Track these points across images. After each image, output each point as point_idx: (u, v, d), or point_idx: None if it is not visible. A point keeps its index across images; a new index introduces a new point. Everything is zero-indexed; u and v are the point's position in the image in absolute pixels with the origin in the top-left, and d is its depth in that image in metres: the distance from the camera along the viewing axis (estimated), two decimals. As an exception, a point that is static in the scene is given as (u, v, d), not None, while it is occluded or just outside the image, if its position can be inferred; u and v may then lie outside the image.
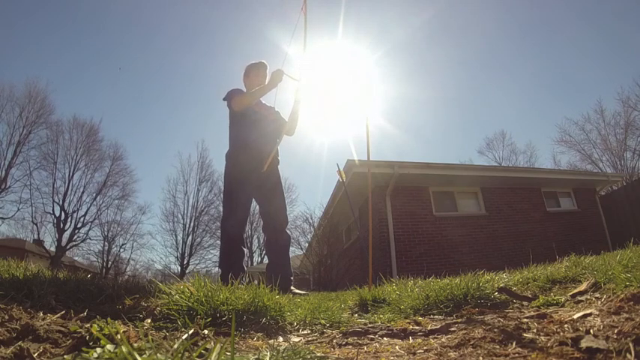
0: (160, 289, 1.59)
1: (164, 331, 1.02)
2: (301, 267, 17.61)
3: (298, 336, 1.22)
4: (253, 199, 3.25)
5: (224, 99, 3.24)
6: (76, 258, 26.54)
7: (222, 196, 3.46)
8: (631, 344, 0.65)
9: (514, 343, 0.85)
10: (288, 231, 3.22)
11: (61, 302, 1.22)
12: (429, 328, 1.22)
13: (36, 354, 0.67)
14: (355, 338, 1.15)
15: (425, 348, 0.95)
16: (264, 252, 28.52)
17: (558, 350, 0.74)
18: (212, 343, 0.70)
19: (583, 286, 1.64)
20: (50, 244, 23.90)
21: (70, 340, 0.76)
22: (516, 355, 0.76)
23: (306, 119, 3.51)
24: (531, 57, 37.48)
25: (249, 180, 3.08)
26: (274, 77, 3.06)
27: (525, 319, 1.12)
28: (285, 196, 3.35)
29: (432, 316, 1.50)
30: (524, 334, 0.91)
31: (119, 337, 0.59)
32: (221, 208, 27.48)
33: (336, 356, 0.90)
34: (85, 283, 1.57)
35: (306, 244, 17.06)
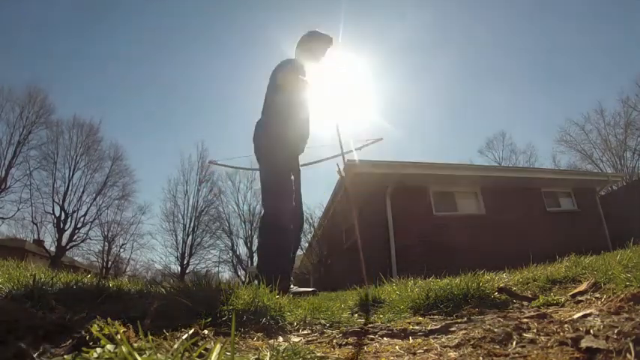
0: (160, 289, 1.59)
1: (164, 331, 1.02)
2: (301, 267, 17.60)
3: (298, 336, 1.22)
4: None
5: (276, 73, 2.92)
6: (76, 258, 26.54)
7: (261, 183, 2.92)
8: (631, 344, 0.65)
9: (514, 343, 0.85)
10: (301, 236, 3.10)
11: (61, 302, 1.22)
12: (429, 328, 1.21)
13: (36, 354, 0.67)
14: (355, 338, 1.15)
15: (425, 348, 0.95)
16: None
17: (558, 350, 0.74)
18: (212, 343, 0.70)
19: (583, 286, 1.64)
20: (50, 244, 23.91)
21: (70, 340, 0.76)
22: (516, 355, 0.76)
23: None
24: (531, 57, 37.52)
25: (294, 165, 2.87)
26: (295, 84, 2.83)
27: (525, 319, 1.12)
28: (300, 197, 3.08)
29: (432, 316, 1.49)
30: (524, 334, 0.91)
31: (119, 337, 0.59)
32: (221, 209, 27.04)
33: (336, 356, 0.90)
34: (85, 283, 1.57)
35: (306, 244, 17.07)
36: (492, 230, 9.01)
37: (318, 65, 3.07)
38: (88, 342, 0.72)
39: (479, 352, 0.82)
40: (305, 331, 1.30)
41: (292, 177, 2.92)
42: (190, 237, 26.53)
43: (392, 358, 0.88)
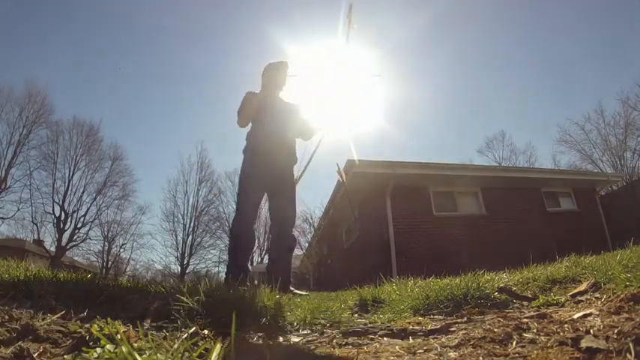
0: (160, 288, 1.59)
1: (164, 331, 1.02)
2: (301, 267, 17.61)
3: (298, 336, 1.22)
4: (264, 199, 3.20)
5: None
6: (76, 258, 26.54)
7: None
8: (631, 344, 0.65)
9: (514, 343, 0.85)
10: (295, 233, 3.19)
11: (61, 302, 1.22)
12: (429, 328, 1.21)
13: (36, 354, 0.67)
14: (355, 338, 1.15)
15: (425, 348, 0.95)
16: (264, 252, 28.60)
17: (558, 350, 0.74)
18: (212, 343, 0.70)
19: (583, 286, 1.64)
20: (50, 244, 23.92)
21: (70, 340, 0.76)
22: (516, 355, 0.76)
23: (318, 140, 3.54)
24: (531, 57, 37.51)
25: (255, 178, 3.05)
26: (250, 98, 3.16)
27: (525, 319, 1.12)
28: (295, 195, 3.25)
29: (432, 316, 1.49)
30: (524, 334, 0.91)
31: (119, 337, 0.59)
32: (221, 209, 27.35)
33: (336, 356, 0.90)
34: (85, 283, 1.57)
35: (306, 244, 17.07)
36: (492, 230, 9.00)
37: (285, 89, 3.35)
38: (88, 342, 0.72)
39: (479, 352, 0.82)
40: (305, 331, 1.30)
41: (262, 188, 3.12)
42: (190, 237, 26.56)
43: (392, 358, 0.88)
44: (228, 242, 3.23)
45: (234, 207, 3.21)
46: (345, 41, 3.33)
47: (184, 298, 1.27)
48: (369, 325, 1.36)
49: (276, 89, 3.30)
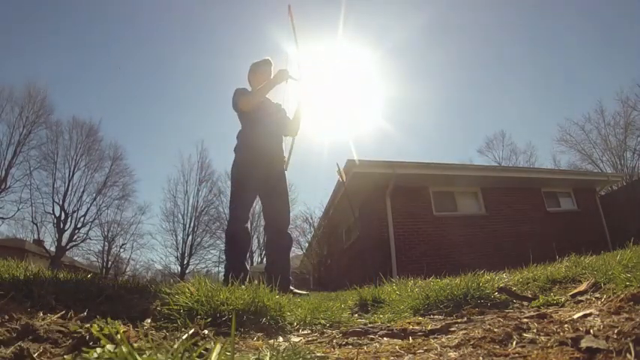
0: (160, 289, 1.59)
1: (164, 331, 1.02)
2: (301, 267, 17.61)
3: (298, 336, 1.22)
4: (257, 198, 3.21)
5: (233, 107, 3.19)
6: (76, 258, 26.57)
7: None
8: (631, 344, 0.65)
9: (514, 343, 0.85)
10: (289, 232, 3.19)
11: (61, 302, 1.22)
12: (429, 328, 1.21)
13: (36, 354, 0.67)
14: (355, 338, 1.15)
15: (425, 348, 0.95)
16: (264, 252, 28.59)
17: (558, 350, 0.74)
18: (212, 343, 0.70)
19: (583, 286, 1.64)
20: (50, 244, 23.94)
21: (70, 340, 0.76)
22: (516, 355, 0.76)
23: (306, 118, 3.52)
24: (531, 57, 37.50)
25: (252, 178, 3.04)
26: (278, 75, 3.12)
27: (525, 319, 1.12)
28: (289, 196, 3.28)
29: (432, 316, 1.49)
30: (524, 334, 0.91)
31: (119, 337, 0.59)
32: (221, 209, 27.35)
33: (336, 356, 0.90)
34: (85, 283, 1.57)
35: (306, 244, 17.07)
36: (492, 230, 9.01)
37: (276, 88, 3.28)
38: (88, 342, 0.72)
39: (479, 352, 0.82)
40: (305, 331, 1.30)
41: (258, 188, 3.11)
42: (190, 237, 26.56)
43: (392, 358, 0.88)
44: (224, 243, 3.13)
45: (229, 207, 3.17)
46: (294, 38, 3.35)
47: (184, 299, 1.27)
48: (369, 325, 1.36)
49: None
